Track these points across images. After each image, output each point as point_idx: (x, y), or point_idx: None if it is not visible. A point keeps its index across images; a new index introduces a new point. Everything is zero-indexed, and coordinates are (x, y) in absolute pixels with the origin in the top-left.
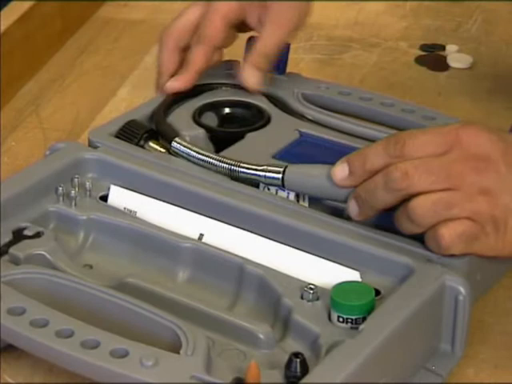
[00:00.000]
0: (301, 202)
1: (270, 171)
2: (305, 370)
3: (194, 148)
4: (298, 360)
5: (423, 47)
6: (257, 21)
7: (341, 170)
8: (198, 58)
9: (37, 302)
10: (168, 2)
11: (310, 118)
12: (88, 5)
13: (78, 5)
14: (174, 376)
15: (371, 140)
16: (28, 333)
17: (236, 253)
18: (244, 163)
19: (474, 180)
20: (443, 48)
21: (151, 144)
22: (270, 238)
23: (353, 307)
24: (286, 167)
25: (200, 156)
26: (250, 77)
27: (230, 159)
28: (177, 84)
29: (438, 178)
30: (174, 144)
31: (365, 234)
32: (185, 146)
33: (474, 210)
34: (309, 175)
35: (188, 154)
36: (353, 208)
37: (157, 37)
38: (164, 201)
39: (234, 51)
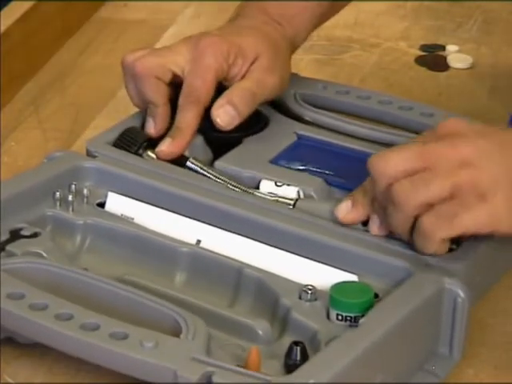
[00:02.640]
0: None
1: (281, 203)
2: (305, 358)
3: (209, 171)
4: (299, 348)
5: (423, 47)
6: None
7: (345, 207)
8: (192, 121)
9: (36, 288)
10: (168, 1)
11: (307, 119)
12: (88, 5)
13: (78, 5)
14: (174, 357)
15: (370, 141)
16: (27, 315)
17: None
18: (258, 192)
19: (451, 154)
20: (443, 48)
21: (149, 153)
22: (267, 244)
23: (352, 304)
24: (296, 200)
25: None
26: (226, 115)
27: (245, 187)
28: (173, 150)
29: (412, 159)
30: (188, 164)
31: (363, 239)
32: (200, 167)
33: (453, 184)
34: (317, 211)
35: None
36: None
37: (155, 38)
38: (161, 208)
39: None
